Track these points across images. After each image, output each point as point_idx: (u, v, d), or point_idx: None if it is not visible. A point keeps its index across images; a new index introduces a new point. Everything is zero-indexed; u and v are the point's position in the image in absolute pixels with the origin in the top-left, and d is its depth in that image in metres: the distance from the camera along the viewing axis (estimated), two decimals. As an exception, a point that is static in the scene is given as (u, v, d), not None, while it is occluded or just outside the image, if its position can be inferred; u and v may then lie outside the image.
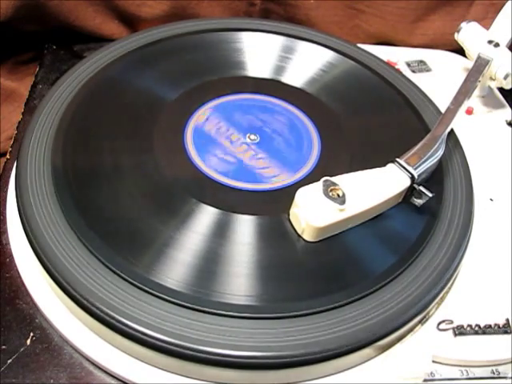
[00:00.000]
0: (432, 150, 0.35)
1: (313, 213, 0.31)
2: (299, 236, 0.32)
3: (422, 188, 0.33)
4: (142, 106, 0.39)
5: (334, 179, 0.32)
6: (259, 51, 0.44)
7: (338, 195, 0.31)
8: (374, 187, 0.33)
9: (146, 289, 0.29)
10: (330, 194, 0.31)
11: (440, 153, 0.35)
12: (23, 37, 0.48)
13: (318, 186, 0.32)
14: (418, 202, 0.33)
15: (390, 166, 0.34)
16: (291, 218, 0.32)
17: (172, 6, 0.50)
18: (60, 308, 0.30)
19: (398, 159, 0.34)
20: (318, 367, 0.28)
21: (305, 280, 0.30)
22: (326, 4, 0.52)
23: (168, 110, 0.39)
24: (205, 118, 0.39)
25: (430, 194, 0.32)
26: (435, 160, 0.35)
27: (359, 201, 0.32)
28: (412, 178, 0.33)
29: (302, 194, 0.32)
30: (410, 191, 0.34)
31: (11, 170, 0.37)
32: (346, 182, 0.32)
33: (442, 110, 0.39)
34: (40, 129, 0.36)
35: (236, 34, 0.45)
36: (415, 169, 0.33)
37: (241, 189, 0.35)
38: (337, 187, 0.32)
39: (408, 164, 0.33)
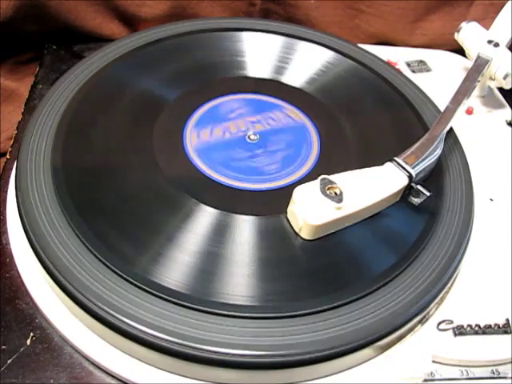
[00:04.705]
0: (430, 149, 0.35)
1: (310, 211, 0.31)
2: (297, 234, 0.32)
3: (419, 187, 0.33)
4: (141, 105, 0.39)
5: (331, 177, 0.32)
6: (259, 51, 0.44)
7: (336, 193, 0.31)
8: (372, 186, 0.33)
9: (147, 289, 0.29)
10: (328, 192, 0.31)
11: (438, 152, 0.35)
12: (23, 37, 0.48)
13: (315, 185, 0.32)
14: (416, 200, 0.33)
15: (388, 164, 0.34)
16: (289, 216, 0.32)
17: (172, 6, 0.50)
18: (60, 308, 0.30)
19: (395, 158, 0.34)
20: (317, 367, 0.28)
21: (304, 280, 0.30)
22: (325, 4, 0.52)
23: (168, 110, 0.39)
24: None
25: (428, 193, 0.32)
26: (433, 159, 0.35)
27: (356, 199, 0.32)
28: (410, 176, 0.33)
29: (299, 192, 0.32)
30: (408, 190, 0.34)
31: (11, 170, 0.37)
32: (343, 180, 0.32)
33: (442, 109, 0.39)
34: (40, 129, 0.36)
35: (236, 33, 0.45)
36: (413, 168, 0.33)
37: (240, 189, 0.35)
38: (334, 185, 0.32)
39: (406, 163, 0.33)
